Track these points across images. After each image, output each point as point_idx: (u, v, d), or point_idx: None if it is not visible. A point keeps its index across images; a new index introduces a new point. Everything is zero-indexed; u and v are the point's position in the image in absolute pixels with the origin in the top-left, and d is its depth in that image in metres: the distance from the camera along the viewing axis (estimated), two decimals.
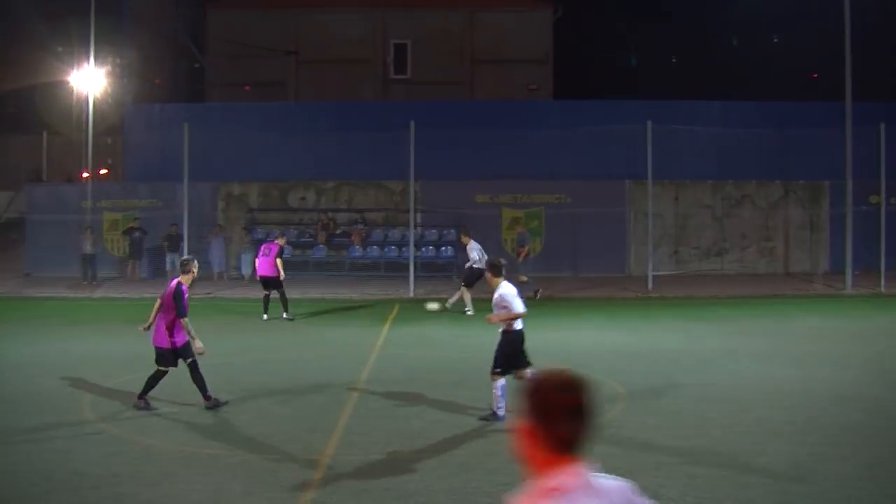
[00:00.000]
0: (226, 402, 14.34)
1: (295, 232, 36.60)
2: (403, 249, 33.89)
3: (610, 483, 3.98)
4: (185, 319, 14.18)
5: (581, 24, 53.96)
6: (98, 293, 31.20)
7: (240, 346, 20.07)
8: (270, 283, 23.82)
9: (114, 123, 47.56)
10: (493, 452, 11.62)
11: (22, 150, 51.53)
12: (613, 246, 35.76)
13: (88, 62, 40.76)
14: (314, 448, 11.89)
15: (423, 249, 34.82)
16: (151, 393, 14.11)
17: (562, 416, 3.83)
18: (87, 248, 33.71)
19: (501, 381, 13.28)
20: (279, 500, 9.79)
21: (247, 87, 48.48)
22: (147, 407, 14.05)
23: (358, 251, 34.90)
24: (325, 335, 22.02)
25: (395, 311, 26.04)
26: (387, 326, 23.21)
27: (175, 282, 14.53)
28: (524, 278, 27.27)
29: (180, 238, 32.39)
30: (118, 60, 49.89)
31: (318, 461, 11.24)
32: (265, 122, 38.40)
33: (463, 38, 48.05)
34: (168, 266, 33.82)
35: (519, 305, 13.38)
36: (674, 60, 62.51)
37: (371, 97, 47.12)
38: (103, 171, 52.48)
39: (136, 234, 34.72)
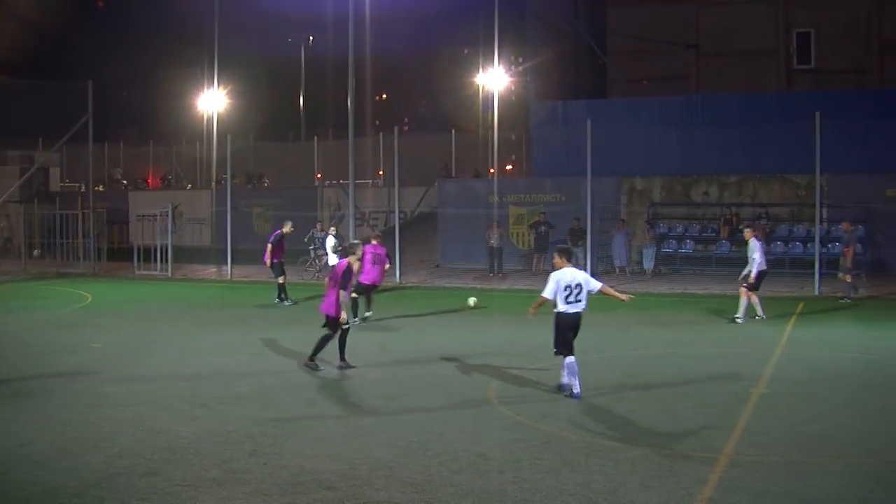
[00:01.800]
0: (353, 366, 16.55)
1: (697, 226, 36.35)
2: (809, 245, 32.79)
3: None
4: (343, 292, 16.46)
5: None
6: (504, 285, 32.40)
7: (643, 340, 20.23)
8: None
9: (518, 120, 49.08)
10: None
11: (433, 148, 54.18)
12: None
13: (494, 62, 42.30)
14: (713, 445, 11.80)
15: (830, 246, 33.49)
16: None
17: None
18: (494, 241, 35.05)
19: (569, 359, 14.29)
20: (676, 497, 9.79)
21: (647, 83, 48.51)
22: (316, 368, 16.47)
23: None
24: (728, 331, 21.71)
25: (799, 309, 25.27)
26: (791, 324, 22.57)
27: (345, 262, 16.87)
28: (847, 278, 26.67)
29: (583, 232, 32.96)
30: (521, 59, 51.41)
31: (716, 459, 11.15)
32: (667, 116, 38.33)
33: (870, 23, 45.62)
34: (572, 259, 34.46)
35: (547, 291, 14.42)
36: None
37: (775, 88, 45.77)
38: (509, 167, 54.27)
39: (543, 228, 35.68)
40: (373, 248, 22.03)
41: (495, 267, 35.00)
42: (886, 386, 15.59)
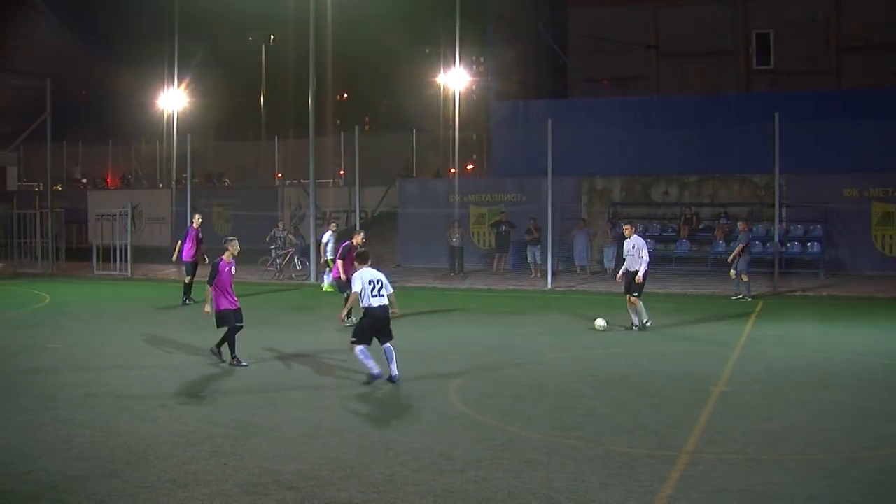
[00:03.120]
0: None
1: (658, 226, 36.55)
2: (768, 245, 33.07)
3: None
4: (209, 287, 17.17)
5: None
6: (465, 284, 32.45)
7: (602, 340, 20.31)
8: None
9: (479, 120, 49.19)
10: (858, 460, 11.21)
11: (393, 147, 54.22)
12: None
13: (455, 62, 42.39)
14: (673, 443, 11.87)
15: (789, 245, 33.79)
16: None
17: None
18: (455, 240, 35.08)
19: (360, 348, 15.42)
20: (636, 495, 9.85)
21: (606, 83, 48.69)
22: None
23: (721, 246, 34.26)
24: (687, 331, 21.85)
25: (758, 308, 25.47)
26: (750, 323, 22.74)
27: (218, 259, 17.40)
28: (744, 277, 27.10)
29: (540, 231, 33.06)
30: (482, 59, 51.51)
31: (676, 457, 11.22)
32: (627, 116, 38.52)
33: (829, 24, 45.98)
34: (530, 259, 34.65)
35: (356, 287, 15.67)
36: None
37: (734, 89, 46.09)
38: (470, 167, 54.36)
39: (504, 227, 35.77)
40: (356, 248, 21.16)
41: (456, 266, 35.05)
42: (842, 383, 15.74)
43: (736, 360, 17.86)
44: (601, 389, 15.25)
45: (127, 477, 10.51)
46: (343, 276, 21.33)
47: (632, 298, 21.21)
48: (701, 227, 35.80)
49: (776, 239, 30.73)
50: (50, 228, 38.45)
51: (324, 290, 28.22)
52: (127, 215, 37.17)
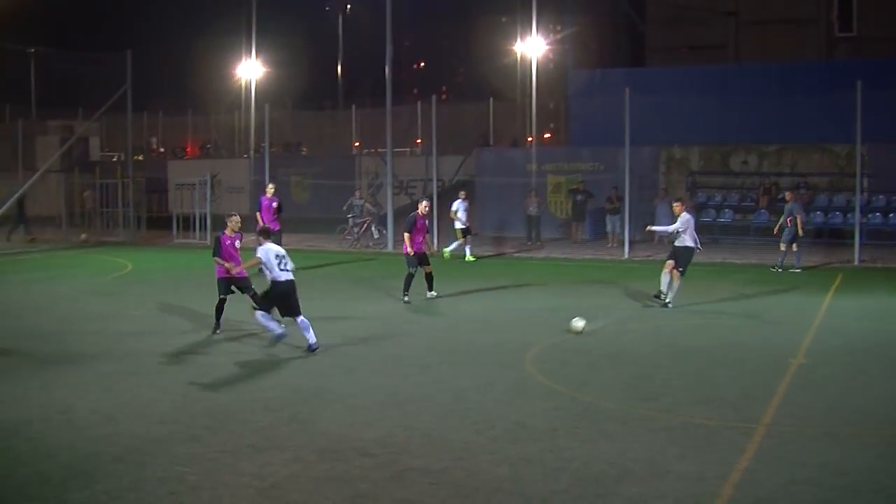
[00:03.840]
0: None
1: (736, 196, 36.15)
2: (849, 216, 32.54)
3: None
4: (216, 258, 17.41)
5: None
6: (542, 253, 32.39)
7: (680, 310, 20.14)
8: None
9: (557, 89, 48.88)
10: None
11: (470, 116, 54.05)
12: None
13: (532, 30, 42.16)
14: (750, 415, 11.77)
15: (870, 216, 33.21)
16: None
17: None
18: (532, 209, 35.01)
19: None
20: (713, 467, 9.79)
21: (685, 51, 48.10)
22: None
23: (802, 216, 33.67)
24: (766, 302, 21.60)
25: (838, 281, 25.09)
26: (829, 295, 22.43)
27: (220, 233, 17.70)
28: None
29: (621, 200, 32.83)
30: (560, 27, 51.14)
31: (754, 429, 11.14)
32: (706, 84, 38.05)
33: None
34: (609, 228, 34.50)
35: (261, 254, 16.05)
36: None
37: (815, 57, 45.26)
38: (547, 135, 54.11)
39: (580, 196, 35.61)
40: (423, 217, 21.35)
41: (533, 235, 34.99)
42: None
43: (815, 332, 17.63)
44: (678, 360, 15.17)
45: (207, 441, 10.71)
46: (411, 251, 21.11)
47: (675, 272, 20.59)
48: (780, 196, 35.30)
49: (857, 210, 30.19)
50: (131, 198, 39.05)
51: (445, 257, 28.50)
52: (206, 184, 37.62)
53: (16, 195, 36.75)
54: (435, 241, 31.75)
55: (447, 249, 29.56)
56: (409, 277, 20.87)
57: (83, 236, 37.71)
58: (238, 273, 17.19)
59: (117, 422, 11.61)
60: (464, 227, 30.16)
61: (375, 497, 8.93)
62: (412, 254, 21.03)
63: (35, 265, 29.89)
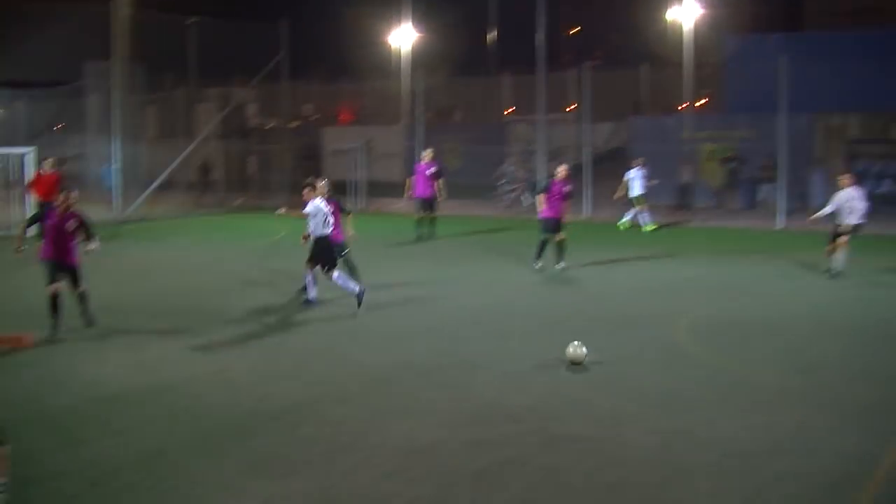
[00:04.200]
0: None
1: None
2: None
3: None
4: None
5: None
6: (694, 222, 31.94)
7: (834, 283, 19.62)
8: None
9: (710, 55, 47.91)
10: None
11: (623, 83, 53.32)
12: None
13: None
14: None
15: None
16: None
17: None
18: (685, 177, 34.52)
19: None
20: (869, 444, 9.53)
21: (845, 15, 46.60)
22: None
23: None
24: None
25: None
26: None
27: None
28: None
29: (775, 168, 32.11)
30: None
31: None
32: (866, 50, 36.79)
33: None
34: (762, 197, 33.79)
35: (311, 209, 16.65)
36: None
37: None
38: (701, 102, 53.10)
39: (733, 164, 34.97)
40: (561, 182, 21.01)
41: (685, 203, 34.52)
42: None
43: None
44: (833, 334, 14.82)
45: (358, 403, 10.95)
46: (544, 214, 20.78)
47: (840, 241, 19.79)
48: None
49: None
50: (286, 164, 39.84)
51: (619, 228, 28.42)
52: (360, 151, 38.14)
53: (173, 161, 37.75)
54: (587, 209, 31.63)
55: (623, 220, 29.31)
56: (543, 244, 20.70)
57: (239, 201, 38.68)
58: (334, 236, 17.37)
59: (273, 382, 11.97)
60: (640, 193, 29.54)
61: (522, 463, 9.01)
62: (547, 219, 20.85)
63: (193, 228, 30.85)
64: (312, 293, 17.04)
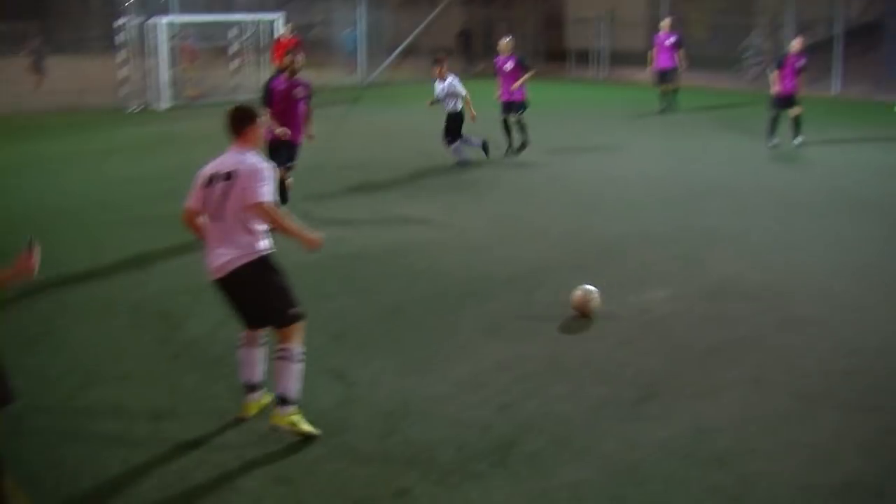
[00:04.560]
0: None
1: None
2: None
3: None
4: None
5: None
6: None
7: None
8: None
9: None
10: None
11: None
12: None
13: None
14: None
15: None
16: None
17: None
18: None
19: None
20: None
21: None
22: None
23: None
24: None
25: None
26: None
27: None
28: None
29: None
30: None
31: None
32: None
33: None
34: None
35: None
36: None
37: None
38: None
39: None
40: (796, 56, 19.79)
41: None
42: None
43: None
44: None
45: (595, 269, 11.00)
46: (778, 91, 19.77)
47: None
48: None
49: None
50: (529, 31, 39.61)
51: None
52: (603, 19, 37.57)
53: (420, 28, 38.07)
54: (836, 85, 30.19)
55: None
56: (775, 119, 19.86)
57: (481, 66, 38.84)
58: (516, 95, 19.01)
59: (509, 247, 12.20)
60: None
61: (756, 340, 8.92)
62: (779, 94, 19.88)
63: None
64: (477, 141, 18.37)
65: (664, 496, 6.10)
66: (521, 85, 18.88)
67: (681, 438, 6.87)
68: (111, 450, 6.79)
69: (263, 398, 7.30)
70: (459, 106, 17.92)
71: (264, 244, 6.92)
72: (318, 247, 7.08)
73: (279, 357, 6.90)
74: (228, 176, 6.77)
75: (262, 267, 6.87)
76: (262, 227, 6.86)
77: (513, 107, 19.04)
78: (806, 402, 7.53)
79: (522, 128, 18.91)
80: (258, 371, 7.29)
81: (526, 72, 19.11)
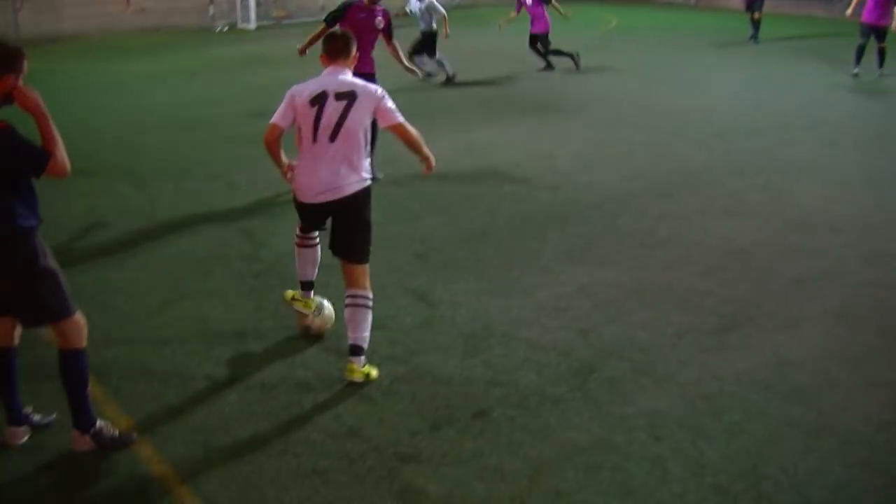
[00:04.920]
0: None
1: None
2: None
3: None
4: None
5: None
6: None
7: None
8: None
9: None
10: None
11: None
12: None
13: None
14: None
15: None
16: None
17: None
18: None
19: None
20: None
21: None
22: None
23: None
24: None
25: None
26: None
27: None
28: None
29: None
30: None
31: None
32: None
33: None
34: None
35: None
36: None
37: None
38: None
39: None
40: None
41: None
42: None
43: None
44: None
45: (679, 199, 10.96)
46: (854, 17, 19.67)
47: None
48: None
49: None
50: None
51: None
52: None
53: None
54: None
55: None
56: (860, 49, 19.34)
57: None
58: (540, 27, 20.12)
59: (595, 172, 12.16)
60: None
61: (841, 274, 8.81)
62: (865, 23, 19.34)
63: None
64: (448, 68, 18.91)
65: (742, 427, 6.09)
66: (543, 16, 19.98)
67: (761, 370, 6.84)
68: (196, 364, 6.94)
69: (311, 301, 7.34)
70: (435, 25, 18.50)
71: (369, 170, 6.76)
72: (433, 168, 7.01)
73: (355, 304, 6.63)
74: (347, 96, 6.52)
75: (369, 195, 6.69)
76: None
77: (535, 38, 20.23)
78: (889, 338, 7.45)
79: (546, 54, 20.09)
80: (314, 270, 7.30)
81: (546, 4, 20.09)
